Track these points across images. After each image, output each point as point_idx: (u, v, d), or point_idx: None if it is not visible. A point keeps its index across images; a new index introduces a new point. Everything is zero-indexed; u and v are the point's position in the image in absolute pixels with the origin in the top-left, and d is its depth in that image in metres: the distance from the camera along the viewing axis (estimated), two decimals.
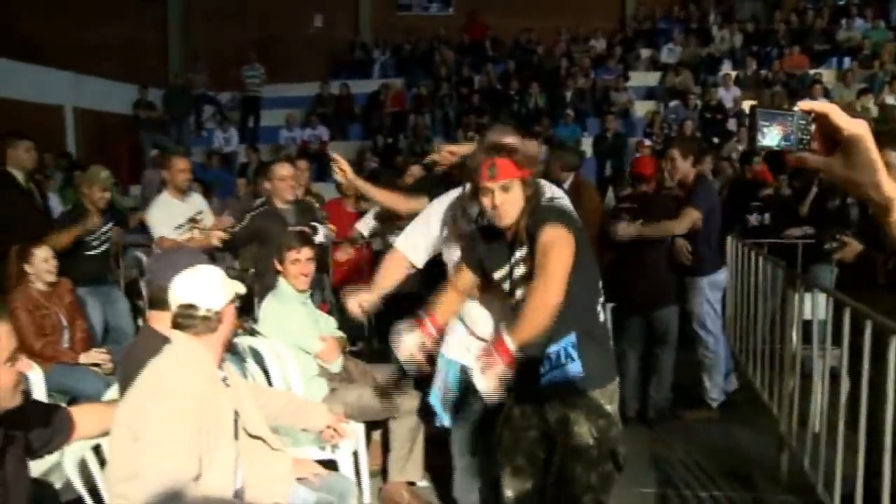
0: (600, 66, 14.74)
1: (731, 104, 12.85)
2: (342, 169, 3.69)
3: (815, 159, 1.15)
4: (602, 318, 2.64)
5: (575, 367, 2.47)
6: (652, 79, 14.64)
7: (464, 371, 3.07)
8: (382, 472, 3.98)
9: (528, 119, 13.05)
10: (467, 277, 2.73)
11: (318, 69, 15.63)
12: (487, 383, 2.17)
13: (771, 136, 1.17)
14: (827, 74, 13.36)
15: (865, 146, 1.10)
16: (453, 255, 2.95)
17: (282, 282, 3.79)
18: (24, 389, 1.93)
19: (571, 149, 7.82)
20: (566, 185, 5.03)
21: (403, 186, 4.86)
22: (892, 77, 12.84)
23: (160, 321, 2.61)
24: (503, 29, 16.11)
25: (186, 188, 5.35)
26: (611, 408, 2.55)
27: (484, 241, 2.62)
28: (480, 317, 3.01)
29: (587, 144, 12.62)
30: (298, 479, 2.66)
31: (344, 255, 5.43)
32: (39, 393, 3.37)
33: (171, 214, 5.18)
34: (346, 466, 3.37)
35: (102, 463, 2.40)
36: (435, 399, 3.28)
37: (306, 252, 3.77)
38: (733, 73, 13.65)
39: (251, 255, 5.45)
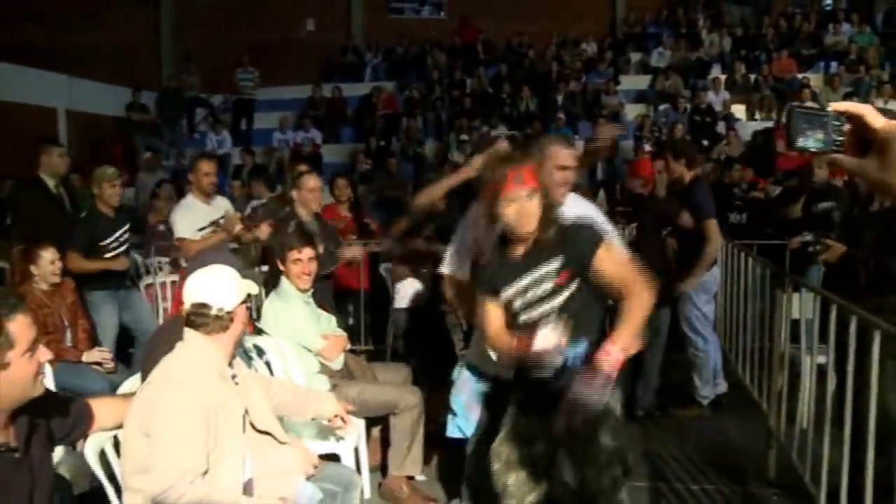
0: (591, 70, 14.87)
1: (720, 108, 13.02)
2: None
3: (850, 161, 1.14)
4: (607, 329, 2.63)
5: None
6: (642, 82, 14.78)
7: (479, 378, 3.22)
8: (382, 467, 4.07)
9: (519, 122, 13.18)
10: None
11: (310, 72, 15.69)
12: (600, 394, 2.25)
13: (808, 138, 1.16)
14: (814, 79, 13.55)
15: None
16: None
17: (284, 281, 3.87)
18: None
19: None
20: None
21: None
22: (878, 81, 13.03)
23: None
24: (494, 32, 16.22)
25: (211, 191, 5.33)
26: (619, 412, 2.60)
27: (496, 258, 2.58)
28: None
29: (578, 148, 12.71)
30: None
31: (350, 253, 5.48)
32: (49, 388, 3.44)
33: (195, 217, 5.19)
34: (347, 461, 3.46)
35: (119, 453, 2.48)
36: (459, 405, 3.39)
37: (307, 252, 3.84)
38: (722, 77, 13.80)
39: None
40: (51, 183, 5.43)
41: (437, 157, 12.92)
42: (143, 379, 2.57)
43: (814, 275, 5.34)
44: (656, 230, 5.21)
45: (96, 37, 14.89)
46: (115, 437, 2.48)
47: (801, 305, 3.85)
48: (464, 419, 3.42)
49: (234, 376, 2.54)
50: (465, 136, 12.81)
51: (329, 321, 4.08)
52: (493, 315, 2.63)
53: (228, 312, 2.46)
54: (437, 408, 3.84)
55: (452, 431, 3.49)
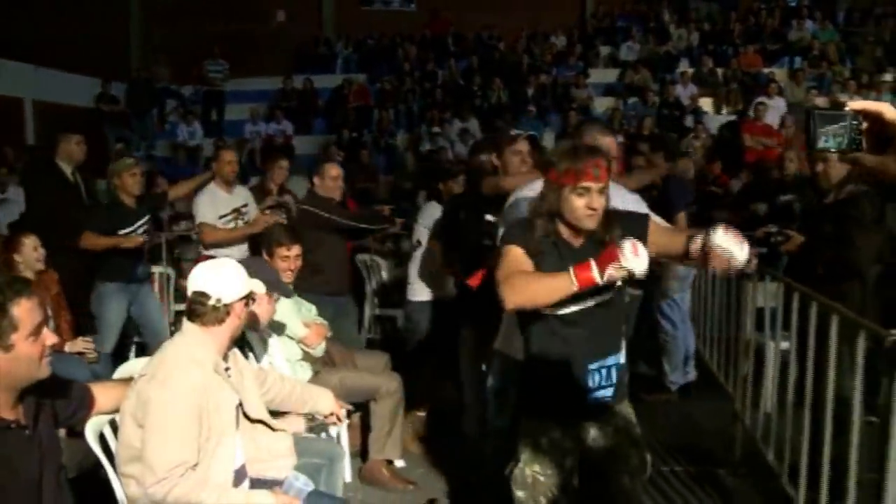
0: (561, 63, 15.04)
1: (688, 101, 13.23)
2: None
3: (871, 158, 1.17)
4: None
5: (622, 386, 2.53)
6: (611, 75, 14.97)
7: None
8: (362, 453, 4.18)
9: (490, 114, 13.30)
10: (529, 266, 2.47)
11: (280, 64, 15.66)
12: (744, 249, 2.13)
13: (829, 139, 1.18)
14: (779, 73, 13.85)
15: None
16: None
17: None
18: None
19: (535, 144, 8.06)
20: None
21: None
22: (840, 77, 13.37)
23: None
24: (465, 25, 16.32)
25: (233, 179, 5.41)
26: (634, 419, 2.61)
27: (544, 245, 2.44)
28: None
29: (549, 140, 12.88)
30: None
31: None
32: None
33: (216, 204, 5.29)
34: None
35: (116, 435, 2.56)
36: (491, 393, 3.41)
37: (295, 249, 3.93)
38: (690, 71, 14.03)
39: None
40: (67, 170, 5.44)
41: (407, 148, 13.02)
42: None
43: (782, 266, 5.55)
44: None
45: (64, 26, 14.74)
46: (113, 420, 2.56)
47: (765, 294, 4.02)
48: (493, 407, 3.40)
49: (227, 369, 2.60)
50: (436, 129, 12.93)
51: (310, 310, 4.17)
52: (520, 264, 2.40)
53: (226, 305, 2.51)
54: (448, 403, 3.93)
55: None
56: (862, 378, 2.65)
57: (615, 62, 15.39)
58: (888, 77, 13.08)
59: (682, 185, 5.38)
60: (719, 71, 14.11)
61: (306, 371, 3.87)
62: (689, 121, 12.63)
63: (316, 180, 5.05)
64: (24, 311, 1.94)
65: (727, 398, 4.53)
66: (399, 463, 4.21)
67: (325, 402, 3.06)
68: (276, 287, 3.29)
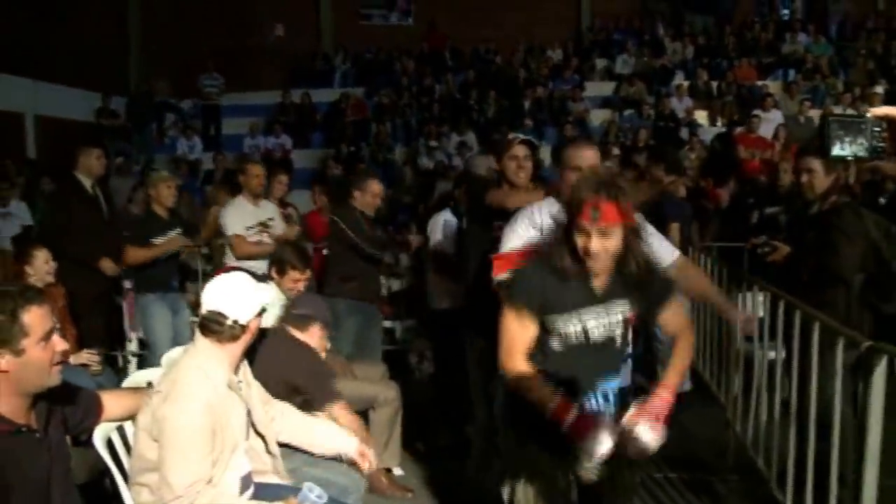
0: (557, 77, 15.18)
1: (683, 114, 13.36)
2: None
3: (891, 167, 1.17)
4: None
5: (627, 405, 2.47)
6: (607, 88, 15.10)
7: None
8: None
9: (486, 128, 13.42)
10: (532, 332, 2.45)
11: (279, 78, 15.79)
12: (656, 435, 2.27)
13: (845, 146, 1.15)
14: (773, 86, 13.99)
15: None
16: None
17: (272, 286, 4.04)
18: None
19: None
20: None
21: None
22: (834, 89, 13.52)
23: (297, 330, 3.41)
24: (461, 39, 16.47)
25: (260, 193, 5.51)
26: None
27: (553, 280, 2.38)
28: None
29: (545, 153, 12.98)
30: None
31: None
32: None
33: (243, 216, 5.39)
34: None
35: (125, 442, 2.64)
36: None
37: (307, 274, 4.07)
38: (685, 84, 14.18)
39: None
40: (87, 183, 5.47)
41: (405, 162, 13.13)
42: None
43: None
44: None
45: (63, 41, 14.83)
46: (121, 427, 2.64)
47: (754, 304, 4.12)
48: None
49: (239, 382, 2.65)
50: (434, 143, 13.04)
51: None
52: (522, 332, 2.41)
53: (242, 325, 2.56)
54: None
55: None
56: (845, 383, 2.74)
57: (611, 75, 15.53)
58: (880, 89, 13.22)
59: (673, 197, 5.48)
60: (714, 84, 14.24)
61: None
62: (684, 133, 12.75)
63: (356, 194, 5.16)
64: (34, 317, 2.03)
65: (720, 407, 4.61)
66: (397, 471, 4.29)
67: (350, 443, 2.94)
68: (327, 324, 3.58)
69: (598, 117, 14.02)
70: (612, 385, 2.52)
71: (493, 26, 16.41)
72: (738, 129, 12.15)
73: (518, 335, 2.41)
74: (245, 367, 2.76)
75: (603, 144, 12.39)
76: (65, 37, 14.45)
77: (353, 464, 2.96)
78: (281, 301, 3.85)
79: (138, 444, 2.49)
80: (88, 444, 3.12)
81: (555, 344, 2.45)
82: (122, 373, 5.24)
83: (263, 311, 2.65)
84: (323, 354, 3.59)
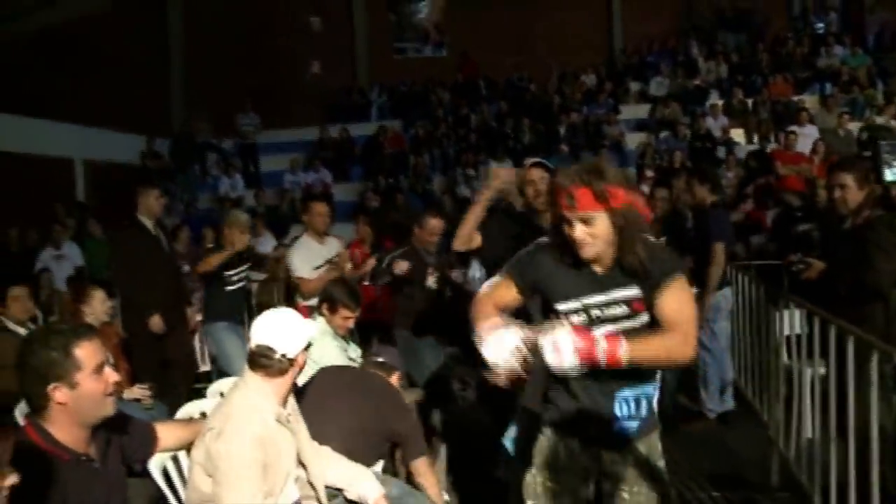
0: (591, 101, 15.24)
1: (719, 133, 13.32)
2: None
3: None
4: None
5: (651, 418, 2.43)
6: (642, 111, 15.12)
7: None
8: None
9: (523, 155, 13.50)
10: (510, 295, 2.46)
11: (316, 114, 16.10)
12: (569, 357, 2.08)
13: None
14: (810, 101, 13.87)
15: None
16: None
17: (319, 319, 4.17)
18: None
19: None
20: None
21: None
22: (873, 100, 13.36)
23: None
24: (495, 68, 16.65)
25: (324, 230, 5.64)
26: (660, 451, 2.50)
27: (556, 267, 2.38)
28: None
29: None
30: None
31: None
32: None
33: (311, 255, 5.50)
34: None
35: (179, 471, 2.76)
36: (511, 445, 3.33)
37: (357, 312, 4.18)
38: (720, 103, 14.14)
39: None
40: (149, 224, 5.64)
41: (444, 192, 13.26)
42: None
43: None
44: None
45: (108, 86, 15.30)
46: (175, 456, 2.76)
47: (791, 320, 4.12)
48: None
49: (288, 414, 2.75)
50: (471, 171, 13.17)
51: (356, 350, 4.36)
52: (502, 290, 2.45)
53: (290, 359, 2.65)
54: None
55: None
56: (887, 397, 2.75)
57: (645, 98, 15.55)
58: None
59: (722, 216, 5.52)
60: (749, 101, 14.18)
61: None
62: (721, 152, 12.70)
63: (416, 230, 5.29)
64: (86, 351, 2.16)
65: (763, 426, 4.60)
66: (444, 496, 4.34)
67: (374, 489, 2.95)
68: (403, 373, 3.77)
69: (633, 140, 14.04)
70: (642, 391, 2.37)
71: (525, 54, 16.60)
72: (773, 146, 12.07)
73: (497, 290, 2.45)
74: (292, 400, 2.85)
75: (639, 167, 12.44)
76: (110, 81, 14.91)
77: None
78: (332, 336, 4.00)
79: (193, 478, 2.60)
80: (144, 474, 3.26)
81: None
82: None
83: (310, 345, 2.74)
84: None
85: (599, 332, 2.22)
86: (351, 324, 4.17)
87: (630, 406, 2.38)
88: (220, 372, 5.96)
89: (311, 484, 2.85)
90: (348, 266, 5.61)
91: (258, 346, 2.66)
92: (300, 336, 2.70)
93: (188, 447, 2.71)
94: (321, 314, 4.21)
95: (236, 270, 5.79)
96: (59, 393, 2.11)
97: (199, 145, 15.09)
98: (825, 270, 3.96)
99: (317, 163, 14.01)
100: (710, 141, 13.06)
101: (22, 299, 4.83)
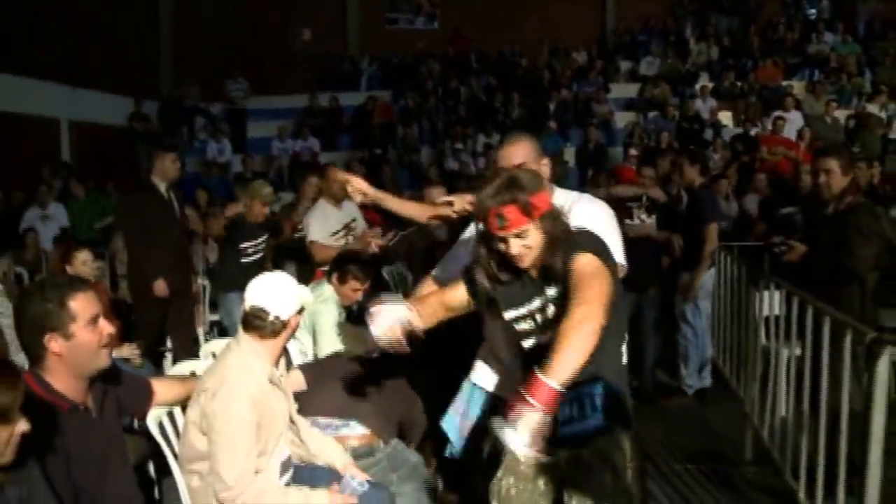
0: (581, 79, 15.28)
1: (708, 115, 13.40)
2: (360, 189, 3.45)
3: None
4: (624, 360, 2.48)
5: (597, 419, 2.24)
6: (632, 90, 15.17)
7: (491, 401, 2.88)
8: None
9: (511, 130, 13.54)
10: (460, 298, 2.49)
11: (306, 82, 16.02)
12: (523, 437, 1.91)
13: None
14: (798, 86, 13.97)
15: None
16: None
17: (326, 286, 4.25)
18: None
19: (556, 159, 8.39)
20: None
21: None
22: (860, 89, 13.49)
23: None
24: (486, 42, 16.60)
25: (342, 196, 5.56)
26: (625, 460, 2.32)
27: (499, 278, 2.37)
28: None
29: (570, 154, 13.12)
30: None
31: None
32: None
33: (327, 221, 5.53)
34: None
35: (174, 426, 2.84)
36: (450, 424, 3.17)
37: (367, 284, 4.22)
38: (710, 85, 14.21)
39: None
40: (162, 187, 5.60)
41: (431, 164, 13.29)
42: None
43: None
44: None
45: (97, 48, 15.16)
46: (171, 412, 2.84)
47: (771, 301, 4.23)
48: (455, 439, 3.17)
49: (280, 376, 2.82)
50: (459, 145, 13.20)
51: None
52: (449, 293, 2.51)
53: (283, 321, 2.71)
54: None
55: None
56: (859, 376, 2.85)
57: (635, 77, 15.60)
58: None
59: (712, 197, 5.65)
60: (738, 85, 14.25)
61: None
62: (708, 134, 12.79)
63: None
64: (80, 303, 2.22)
65: (738, 402, 4.73)
66: None
67: (339, 457, 3.01)
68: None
69: (622, 119, 14.11)
70: (587, 391, 2.22)
71: (517, 29, 16.55)
72: (755, 130, 12.17)
73: (450, 290, 2.51)
74: (283, 361, 2.92)
75: (627, 146, 12.52)
76: (100, 44, 14.78)
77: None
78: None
79: (188, 435, 2.67)
80: (132, 430, 3.34)
81: (524, 346, 2.40)
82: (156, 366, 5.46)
83: (303, 309, 2.80)
84: None
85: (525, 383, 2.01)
86: (359, 296, 4.20)
87: (571, 408, 2.23)
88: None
89: (301, 441, 2.93)
90: (363, 226, 5.63)
91: (252, 308, 2.71)
92: (293, 299, 2.76)
93: (183, 403, 2.78)
94: (330, 282, 4.27)
95: (254, 243, 5.82)
96: (54, 343, 2.17)
97: (188, 109, 15.00)
98: (806, 253, 4.07)
99: (305, 131, 13.97)
100: (697, 123, 13.15)
101: None
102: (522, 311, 2.36)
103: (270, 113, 15.04)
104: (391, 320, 2.31)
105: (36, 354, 2.20)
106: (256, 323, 2.70)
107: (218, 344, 3.67)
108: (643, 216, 5.56)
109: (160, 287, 5.46)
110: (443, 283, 2.93)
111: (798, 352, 3.64)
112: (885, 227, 3.81)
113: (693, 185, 5.49)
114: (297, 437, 2.93)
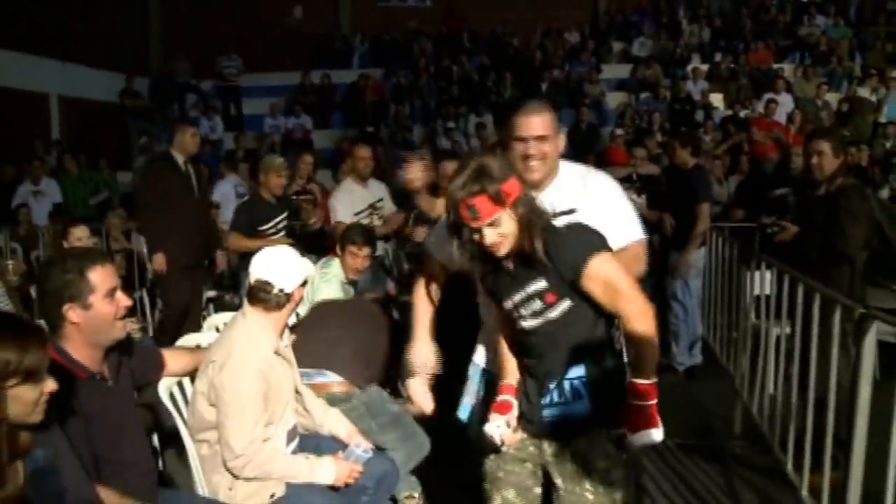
0: (574, 59, 15.29)
1: (699, 97, 13.46)
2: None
3: None
4: (619, 347, 2.35)
5: (582, 406, 2.24)
6: (623, 71, 15.19)
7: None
8: None
9: (505, 109, 13.56)
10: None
11: (298, 59, 15.94)
12: (649, 432, 2.14)
13: None
14: (789, 69, 14.04)
15: None
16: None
17: (335, 263, 4.30)
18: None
19: None
20: None
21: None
22: (851, 72, 13.57)
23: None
24: (479, 21, 16.56)
25: (368, 175, 5.56)
26: (614, 447, 2.30)
27: (490, 269, 2.29)
28: None
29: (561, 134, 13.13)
30: None
31: None
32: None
33: (353, 200, 5.50)
34: None
35: (183, 395, 2.92)
36: (467, 412, 2.95)
37: (366, 251, 4.28)
38: (703, 67, 14.26)
39: None
40: (180, 160, 5.59)
41: (423, 143, 13.30)
42: None
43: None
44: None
45: (87, 23, 15.03)
46: (180, 382, 2.92)
47: (760, 281, 4.33)
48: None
49: (285, 346, 2.90)
50: (451, 123, 13.20)
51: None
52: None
53: (287, 294, 2.78)
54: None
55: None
56: (848, 353, 2.94)
57: (627, 58, 15.63)
58: None
59: (704, 178, 5.73)
60: (730, 67, 14.30)
61: None
62: (699, 116, 12.86)
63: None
64: (100, 275, 2.28)
65: (729, 379, 4.83)
66: None
67: (342, 425, 3.06)
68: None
69: (614, 100, 14.16)
70: (576, 374, 2.24)
71: (510, 8, 16.51)
72: (746, 112, 12.25)
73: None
74: (287, 332, 2.99)
75: (618, 127, 12.57)
76: (90, 19, 14.66)
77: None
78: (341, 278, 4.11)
79: (196, 405, 2.74)
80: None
81: (517, 335, 2.34)
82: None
83: (306, 281, 2.87)
84: None
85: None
86: (360, 264, 4.26)
87: (555, 393, 2.26)
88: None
89: (306, 411, 3.01)
90: (391, 207, 5.60)
91: (257, 282, 2.78)
92: (297, 272, 2.83)
93: (191, 374, 2.85)
94: (336, 255, 4.34)
95: (272, 223, 5.60)
96: (73, 313, 2.24)
97: (179, 86, 14.92)
98: (798, 233, 4.15)
99: (297, 108, 13.95)
100: (689, 104, 13.21)
101: None
102: (509, 302, 2.28)
103: (262, 90, 14.97)
104: (498, 434, 2.24)
105: (55, 324, 2.27)
106: (261, 296, 2.77)
107: (221, 318, 3.74)
108: (634, 196, 5.65)
109: (159, 261, 5.46)
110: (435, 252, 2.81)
111: (787, 330, 3.74)
112: (874, 209, 3.89)
113: (686, 167, 5.57)
114: (301, 407, 3.00)
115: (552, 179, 2.57)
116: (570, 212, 2.25)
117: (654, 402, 2.14)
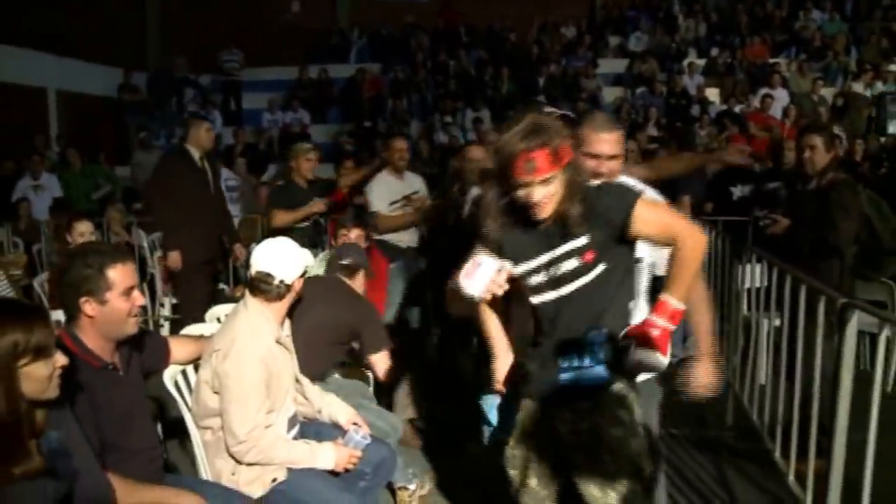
0: (570, 54, 15.34)
1: (695, 91, 13.52)
2: None
3: None
4: (634, 319, 2.39)
5: (599, 370, 2.28)
6: (620, 66, 15.25)
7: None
8: None
9: (502, 104, 13.62)
10: None
11: (296, 54, 15.98)
12: (656, 354, 2.14)
13: None
14: (785, 64, 14.09)
15: None
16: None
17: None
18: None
19: None
20: None
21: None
22: (846, 67, 13.63)
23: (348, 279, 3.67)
24: (476, 16, 16.59)
25: (403, 167, 5.60)
26: (632, 416, 2.31)
27: (510, 229, 2.31)
28: None
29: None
30: None
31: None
32: None
33: (389, 191, 5.52)
34: None
35: (187, 383, 3.01)
36: (488, 403, 3.10)
37: (355, 232, 4.36)
38: (699, 63, 14.32)
39: None
40: (196, 155, 5.59)
41: (421, 137, 13.34)
42: None
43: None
44: None
45: (85, 18, 15.03)
46: (184, 370, 3.00)
47: (752, 274, 4.41)
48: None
49: (286, 336, 2.98)
50: (449, 118, 13.25)
51: None
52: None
53: (288, 285, 2.86)
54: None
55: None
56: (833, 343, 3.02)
57: (624, 53, 15.67)
58: (894, 67, 13.34)
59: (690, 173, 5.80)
60: (726, 61, 14.36)
61: None
62: (695, 110, 12.92)
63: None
64: (119, 273, 2.37)
65: (721, 370, 4.90)
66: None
67: (342, 412, 3.12)
68: (368, 270, 3.86)
69: (610, 94, 14.20)
70: (594, 338, 2.28)
71: (507, 3, 16.53)
72: (741, 107, 12.31)
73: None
74: (287, 322, 3.07)
75: (613, 121, 12.60)
76: (87, 13, 14.66)
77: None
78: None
79: (200, 394, 2.83)
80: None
81: (534, 300, 2.36)
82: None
83: (306, 272, 2.94)
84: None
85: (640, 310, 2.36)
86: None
87: (575, 356, 2.30)
88: None
89: (306, 398, 3.09)
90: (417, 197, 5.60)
91: (258, 273, 2.86)
92: (297, 263, 2.91)
93: (194, 363, 2.94)
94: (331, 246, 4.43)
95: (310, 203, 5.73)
96: (88, 306, 2.34)
97: (178, 81, 14.95)
98: (789, 227, 4.23)
99: (295, 103, 13.99)
100: (685, 99, 13.28)
101: None
102: (535, 264, 2.30)
103: (260, 85, 15.02)
104: (485, 276, 2.23)
105: (72, 314, 2.37)
106: (262, 287, 2.85)
107: (222, 309, 3.82)
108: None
109: (174, 259, 5.50)
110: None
111: (777, 322, 3.82)
112: (864, 204, 3.97)
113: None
114: (301, 395, 3.09)
115: None
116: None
117: (672, 329, 2.19)
